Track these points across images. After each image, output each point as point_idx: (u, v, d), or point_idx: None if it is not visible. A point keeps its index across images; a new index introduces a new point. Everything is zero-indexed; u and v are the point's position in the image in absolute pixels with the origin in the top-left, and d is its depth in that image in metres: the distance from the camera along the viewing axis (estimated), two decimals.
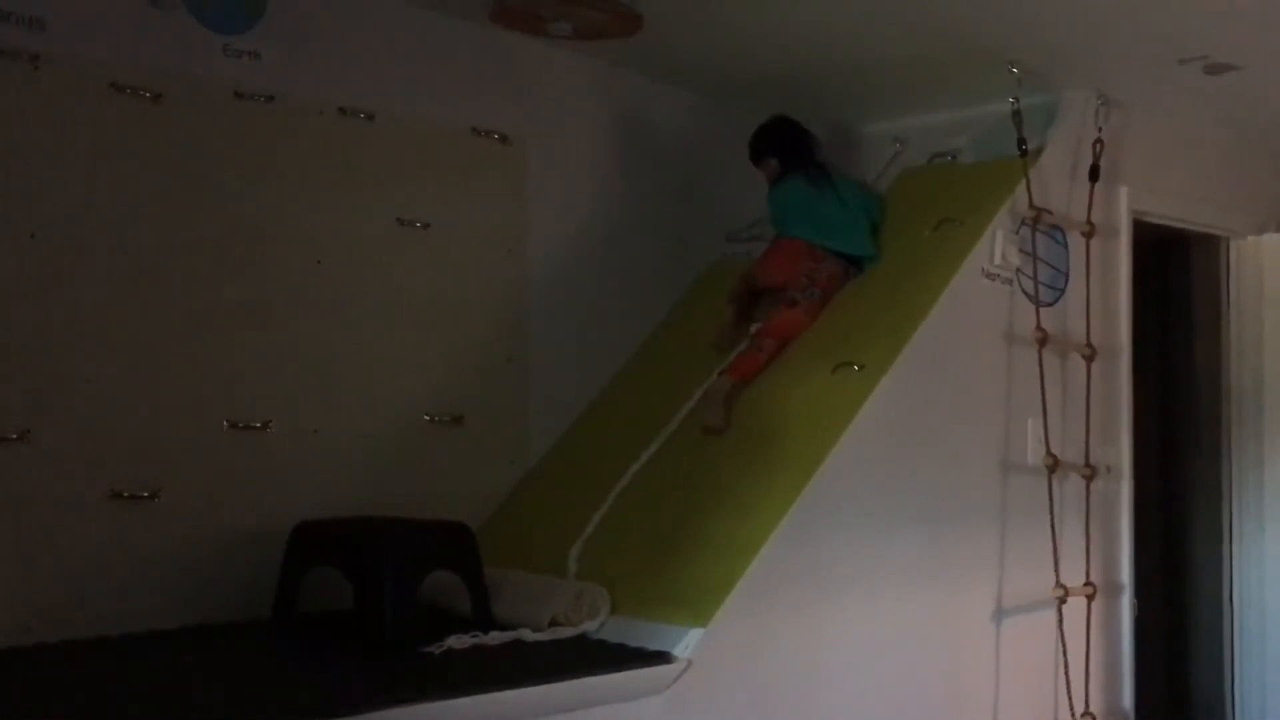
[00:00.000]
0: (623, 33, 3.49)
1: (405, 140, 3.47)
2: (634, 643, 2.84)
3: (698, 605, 2.87)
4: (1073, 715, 3.80)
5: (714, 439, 3.41)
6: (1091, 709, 3.83)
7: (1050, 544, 3.77)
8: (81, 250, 2.90)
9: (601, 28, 3.45)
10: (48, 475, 2.83)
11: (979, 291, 3.63)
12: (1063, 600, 3.79)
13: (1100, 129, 3.95)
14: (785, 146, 3.90)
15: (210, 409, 3.09)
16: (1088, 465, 3.92)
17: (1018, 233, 3.72)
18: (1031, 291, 3.78)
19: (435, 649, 2.71)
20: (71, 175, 2.89)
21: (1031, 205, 3.73)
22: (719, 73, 3.99)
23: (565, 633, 2.91)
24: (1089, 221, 3.96)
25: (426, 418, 3.49)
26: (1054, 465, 3.78)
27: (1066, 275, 3.94)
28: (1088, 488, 3.92)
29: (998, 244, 3.65)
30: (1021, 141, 3.72)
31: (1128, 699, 4.15)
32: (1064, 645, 3.81)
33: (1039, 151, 3.80)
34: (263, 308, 3.18)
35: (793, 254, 3.71)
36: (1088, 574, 3.90)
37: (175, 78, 3.03)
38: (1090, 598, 3.89)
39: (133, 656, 2.76)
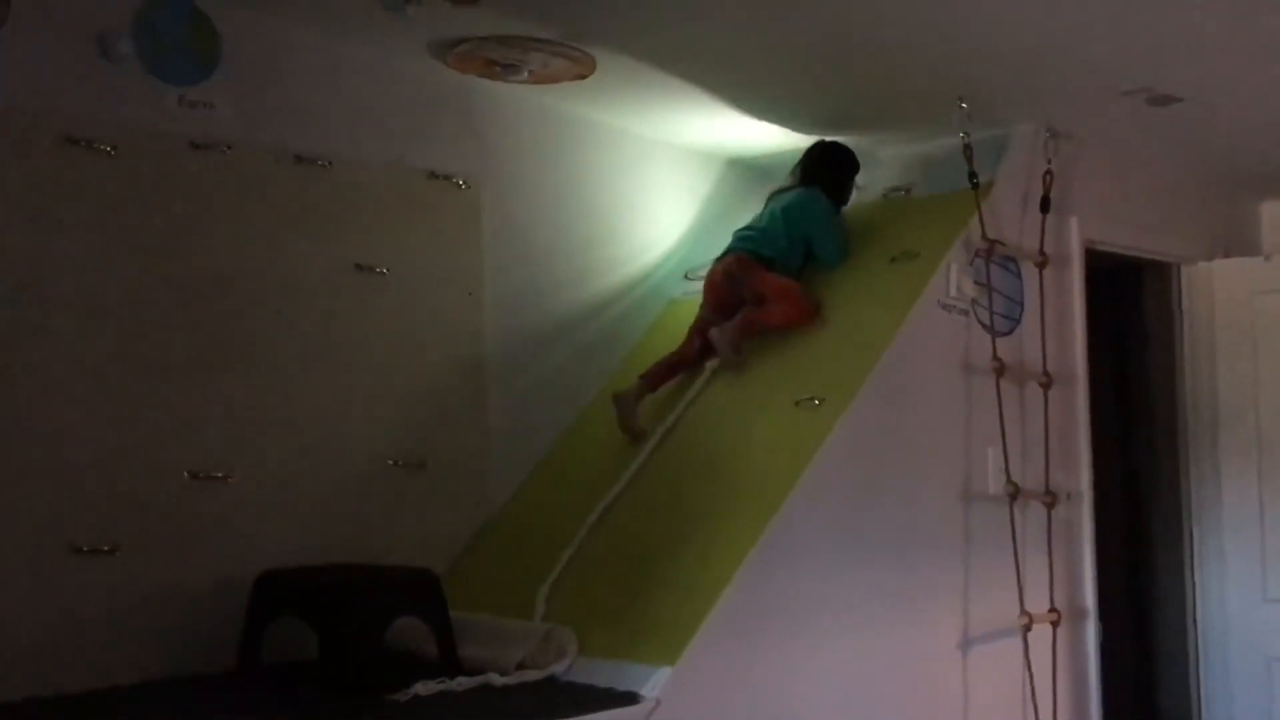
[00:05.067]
0: (578, 76, 3.53)
1: (363, 186, 3.48)
2: (603, 684, 2.84)
3: (665, 644, 2.87)
4: None
5: (677, 476, 3.43)
6: None
7: (1014, 572, 3.80)
8: (38, 303, 2.88)
9: (557, 72, 3.50)
10: (4, 529, 2.80)
11: (936, 323, 3.68)
12: (1028, 627, 3.82)
13: (1050, 161, 4.03)
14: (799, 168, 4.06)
15: (171, 459, 3.07)
16: (1049, 492, 3.96)
17: (972, 264, 3.77)
18: (988, 322, 3.83)
19: (402, 696, 2.70)
20: (27, 229, 2.88)
21: (985, 237, 3.79)
22: (674, 114, 4.03)
23: (533, 676, 2.90)
24: (1041, 252, 4.02)
25: (390, 462, 3.48)
26: (1015, 493, 3.82)
27: (1021, 305, 4.00)
28: (1049, 515, 3.96)
29: (953, 276, 3.70)
30: (973, 175, 3.79)
31: None
32: (1030, 672, 3.83)
33: (990, 184, 3.87)
34: (223, 356, 3.17)
35: (713, 283, 3.83)
36: (1052, 600, 3.93)
37: (131, 130, 3.03)
38: (1055, 624, 3.92)
39: (95, 713, 2.72)
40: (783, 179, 4.07)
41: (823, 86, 3.75)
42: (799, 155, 4.11)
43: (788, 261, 3.82)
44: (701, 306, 3.86)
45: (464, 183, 3.70)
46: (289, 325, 3.30)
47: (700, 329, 3.80)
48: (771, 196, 4.00)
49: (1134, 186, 4.57)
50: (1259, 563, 4.74)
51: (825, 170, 4.00)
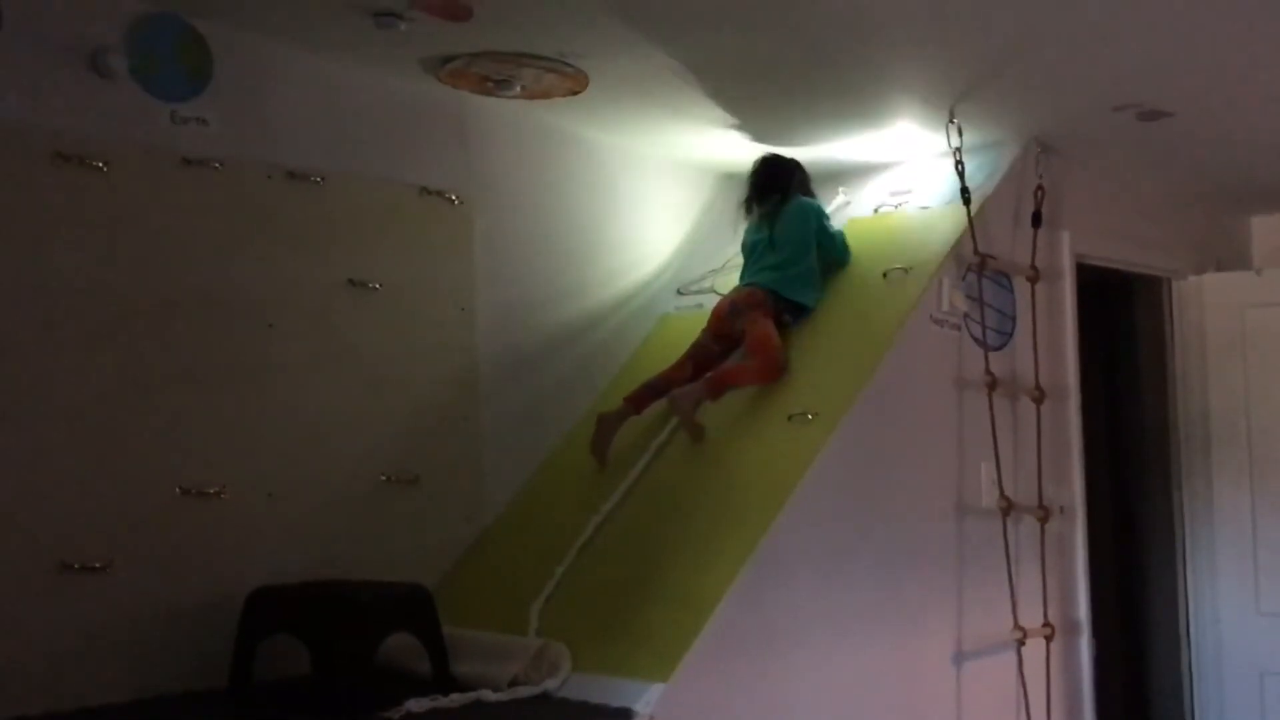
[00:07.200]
0: (570, 92, 3.54)
1: (356, 202, 3.47)
2: (596, 700, 2.83)
3: (659, 659, 2.87)
4: None
5: (671, 491, 3.43)
6: None
7: (1007, 586, 3.80)
8: (29, 319, 2.87)
9: (549, 87, 3.50)
10: None
11: (929, 338, 3.68)
12: (1021, 641, 3.82)
13: (1041, 176, 4.05)
14: (758, 183, 3.99)
15: (162, 476, 3.06)
16: (1041, 506, 3.96)
17: (964, 279, 3.78)
18: (980, 336, 3.84)
19: (395, 713, 2.68)
20: (17, 245, 2.86)
21: (976, 252, 3.79)
22: (666, 129, 4.03)
23: (526, 692, 2.89)
24: (1033, 266, 4.03)
25: (383, 478, 3.47)
26: (1008, 507, 3.82)
27: (1013, 319, 4.01)
28: (1042, 529, 3.97)
29: (945, 290, 3.71)
30: (964, 190, 3.80)
31: None
32: (1024, 686, 3.83)
33: (982, 199, 3.88)
34: (215, 372, 3.16)
35: (719, 312, 3.80)
36: (1045, 614, 3.93)
37: (122, 146, 3.02)
38: (1049, 638, 3.92)
39: None
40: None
41: (813, 101, 3.75)
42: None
43: (811, 286, 3.79)
44: (703, 330, 3.84)
45: (456, 198, 3.70)
46: (281, 341, 3.29)
47: (694, 354, 3.77)
48: (761, 217, 3.93)
49: (1125, 201, 4.59)
50: (1251, 575, 4.75)
51: (791, 180, 3.97)
